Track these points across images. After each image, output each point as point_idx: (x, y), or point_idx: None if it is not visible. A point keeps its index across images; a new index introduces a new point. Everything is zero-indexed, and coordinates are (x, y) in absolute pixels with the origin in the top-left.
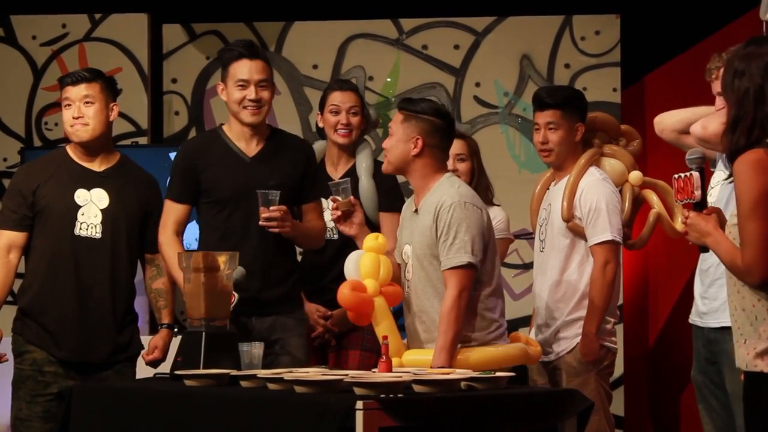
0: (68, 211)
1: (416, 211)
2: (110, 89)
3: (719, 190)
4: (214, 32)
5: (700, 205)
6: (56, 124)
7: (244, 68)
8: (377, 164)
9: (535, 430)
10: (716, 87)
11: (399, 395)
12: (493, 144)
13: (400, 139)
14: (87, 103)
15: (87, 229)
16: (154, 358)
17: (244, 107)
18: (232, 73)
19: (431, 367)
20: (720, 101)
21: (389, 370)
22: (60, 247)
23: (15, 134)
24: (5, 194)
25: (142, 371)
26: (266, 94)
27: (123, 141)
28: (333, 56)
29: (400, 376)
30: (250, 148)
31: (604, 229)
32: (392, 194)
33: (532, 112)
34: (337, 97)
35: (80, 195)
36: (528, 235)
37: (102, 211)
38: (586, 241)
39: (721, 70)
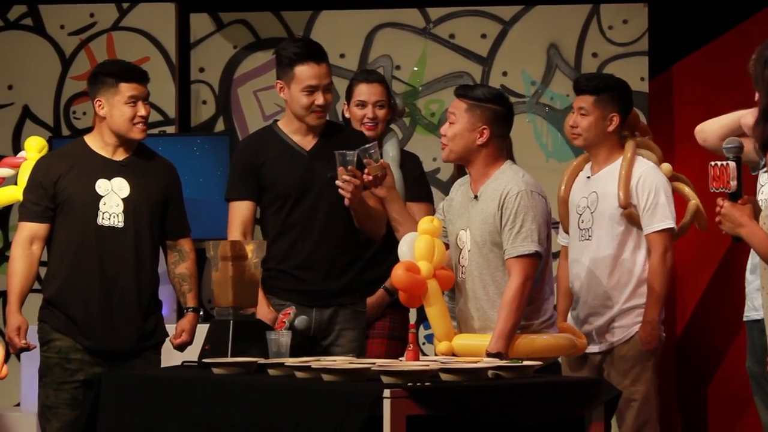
0: (90, 202)
1: (476, 197)
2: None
3: None
4: (242, 21)
5: (735, 196)
6: (84, 113)
7: (312, 73)
8: (404, 154)
9: (562, 419)
10: None
11: (426, 384)
12: (520, 133)
13: (464, 129)
14: (146, 102)
15: (109, 219)
16: (183, 341)
17: (312, 111)
18: (299, 76)
19: (487, 352)
20: None
21: (416, 358)
22: (83, 238)
23: (44, 123)
24: (26, 186)
25: (167, 359)
26: (330, 96)
27: (151, 130)
28: (360, 45)
29: (428, 365)
30: (306, 141)
31: (663, 217)
32: (419, 184)
33: (559, 101)
34: (363, 91)
35: (101, 185)
36: (555, 224)
37: (123, 200)
38: (639, 228)
39: None
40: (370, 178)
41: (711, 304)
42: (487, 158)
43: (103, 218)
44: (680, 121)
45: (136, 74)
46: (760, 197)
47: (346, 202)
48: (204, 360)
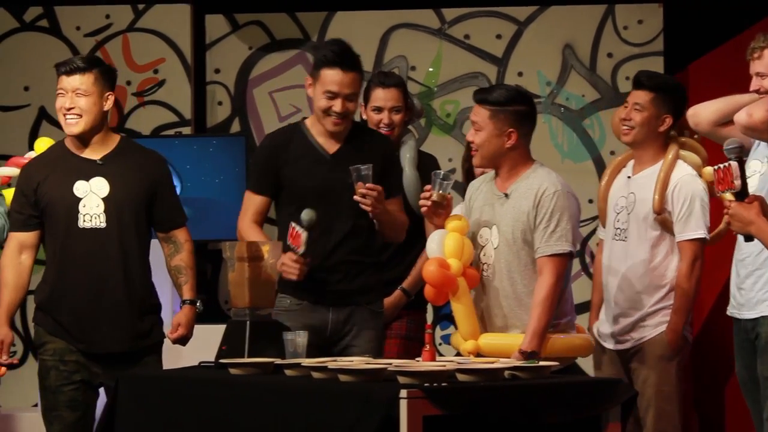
0: (70, 206)
1: (506, 195)
2: (106, 79)
3: (759, 180)
4: (257, 22)
5: (741, 195)
6: None
7: (335, 79)
8: (421, 155)
9: (578, 419)
10: (756, 67)
11: (443, 384)
12: (536, 133)
13: (492, 134)
14: (79, 94)
15: (91, 220)
16: (179, 335)
17: (329, 116)
18: (323, 79)
19: (521, 350)
20: (756, 81)
21: (433, 359)
22: (66, 243)
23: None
24: (12, 196)
25: (179, 359)
26: (352, 105)
27: (167, 131)
28: (375, 46)
29: (444, 365)
30: (330, 144)
31: (697, 226)
32: None
33: (574, 101)
34: (379, 96)
35: (79, 187)
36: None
37: (103, 199)
38: (672, 234)
39: (765, 51)
40: (429, 204)
41: (727, 305)
42: (517, 158)
43: (84, 221)
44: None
45: (67, 69)
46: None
47: (370, 214)
48: (221, 360)
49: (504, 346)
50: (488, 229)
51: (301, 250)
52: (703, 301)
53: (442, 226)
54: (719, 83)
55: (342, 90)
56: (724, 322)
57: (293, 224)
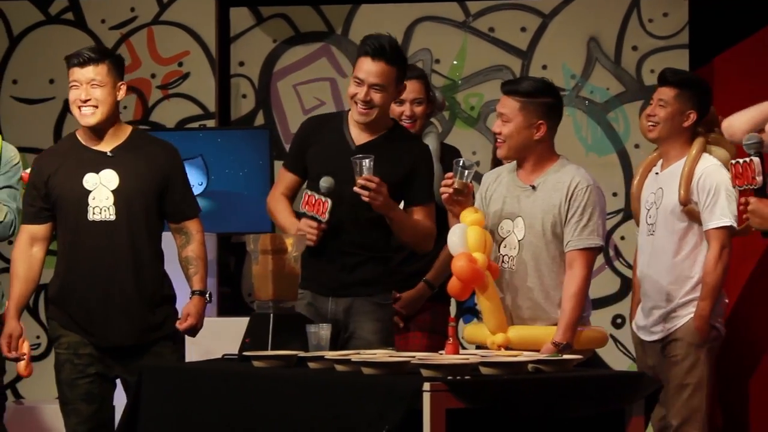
0: (79, 198)
1: (533, 188)
2: (118, 69)
3: None
4: (282, 15)
5: (762, 191)
6: (125, 107)
7: (363, 67)
8: (444, 147)
9: (602, 412)
10: None
11: (466, 377)
12: (560, 126)
13: (521, 126)
14: (94, 86)
15: (100, 213)
16: (188, 325)
17: (355, 103)
18: (356, 66)
19: (554, 342)
20: None
21: (456, 352)
22: (76, 236)
23: None
24: (26, 189)
25: (198, 353)
26: (378, 96)
27: (191, 124)
28: (399, 39)
29: (467, 358)
30: (361, 136)
31: (722, 214)
32: None
33: (599, 94)
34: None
35: (89, 179)
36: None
37: (113, 192)
38: (700, 225)
39: None
40: (451, 191)
41: (754, 298)
42: (543, 151)
43: (93, 213)
44: (722, 116)
45: (79, 61)
46: None
47: (373, 207)
48: (244, 353)
49: (535, 337)
50: (510, 221)
51: (326, 218)
52: (728, 294)
53: (459, 215)
54: (744, 76)
55: (368, 78)
56: (748, 315)
57: (310, 192)
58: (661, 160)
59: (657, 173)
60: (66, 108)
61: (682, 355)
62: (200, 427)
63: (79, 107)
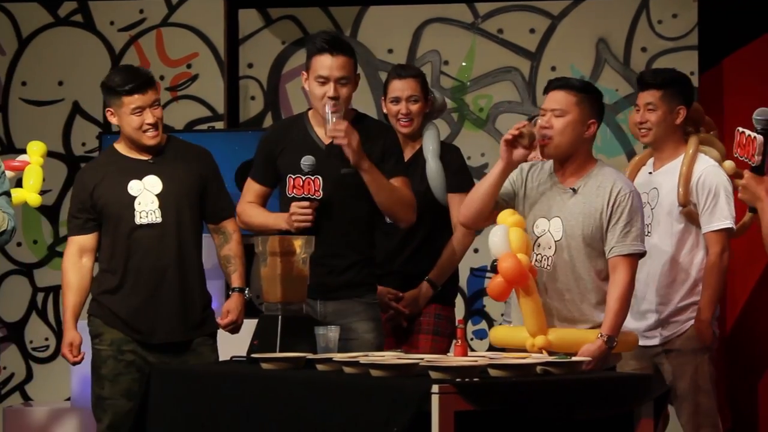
0: (125, 205)
1: (573, 190)
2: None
3: None
4: (290, 17)
5: (758, 170)
6: None
7: (325, 64)
8: (443, 146)
9: (611, 414)
10: None
11: (475, 379)
12: None
13: (576, 121)
14: (155, 107)
15: (147, 216)
16: (230, 320)
17: (324, 104)
18: (314, 66)
19: (601, 335)
20: None
21: (465, 354)
22: (125, 241)
23: (93, 119)
24: (70, 202)
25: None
26: (345, 90)
27: (199, 126)
28: (408, 41)
29: (476, 360)
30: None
31: (722, 216)
32: (461, 174)
33: (608, 96)
34: (396, 86)
35: (133, 186)
36: None
37: (157, 195)
38: (698, 227)
39: None
40: (517, 132)
41: (762, 299)
42: (587, 152)
43: (140, 217)
44: (730, 117)
45: (137, 86)
46: None
47: (352, 162)
48: (252, 355)
49: (576, 340)
50: (546, 221)
51: (320, 194)
52: (736, 296)
53: (509, 161)
54: (754, 78)
55: (332, 74)
56: (758, 317)
57: (294, 176)
58: (652, 159)
59: (650, 173)
60: (75, 110)
61: (685, 363)
62: (208, 429)
63: (145, 131)
